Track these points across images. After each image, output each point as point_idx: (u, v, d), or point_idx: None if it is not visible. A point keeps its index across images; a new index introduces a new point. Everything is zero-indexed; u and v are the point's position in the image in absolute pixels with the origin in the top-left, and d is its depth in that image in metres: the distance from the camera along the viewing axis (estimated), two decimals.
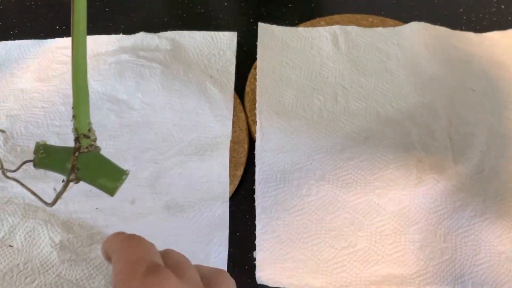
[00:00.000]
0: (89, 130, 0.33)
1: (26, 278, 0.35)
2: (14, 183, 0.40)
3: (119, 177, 0.33)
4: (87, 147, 0.33)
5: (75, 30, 0.31)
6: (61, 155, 0.33)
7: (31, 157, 0.40)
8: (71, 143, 0.41)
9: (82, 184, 0.40)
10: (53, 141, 0.42)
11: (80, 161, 0.32)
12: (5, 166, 0.41)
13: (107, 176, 0.33)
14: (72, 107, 0.32)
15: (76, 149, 0.32)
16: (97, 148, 0.34)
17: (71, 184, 0.33)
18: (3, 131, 0.37)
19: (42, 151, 0.33)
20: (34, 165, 0.33)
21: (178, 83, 0.45)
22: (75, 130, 0.32)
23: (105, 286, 0.35)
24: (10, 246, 0.37)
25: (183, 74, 0.46)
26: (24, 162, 0.34)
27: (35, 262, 0.36)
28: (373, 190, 0.39)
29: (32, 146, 0.41)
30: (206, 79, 0.46)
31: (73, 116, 0.32)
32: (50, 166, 0.33)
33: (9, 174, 0.34)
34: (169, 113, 0.43)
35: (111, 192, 0.33)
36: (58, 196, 0.33)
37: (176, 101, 0.44)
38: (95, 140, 0.33)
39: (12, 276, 0.35)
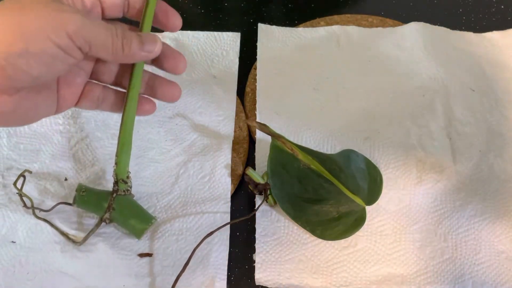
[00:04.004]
0: (127, 177, 0.36)
1: (28, 273, 0.36)
2: (15, 180, 0.40)
3: (148, 221, 0.37)
4: (123, 191, 0.36)
5: (129, 96, 0.35)
6: (98, 196, 0.37)
7: (34, 157, 0.41)
8: (74, 142, 0.42)
9: (85, 181, 0.40)
10: (56, 139, 0.42)
11: (116, 202, 0.36)
12: (8, 164, 0.41)
13: (137, 218, 0.36)
14: (116, 156, 0.35)
15: (114, 191, 0.36)
16: (131, 195, 0.37)
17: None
18: (30, 172, 0.39)
19: (83, 190, 0.37)
20: (74, 203, 0.37)
21: (181, 83, 0.45)
22: (115, 175, 0.36)
23: (106, 283, 0.36)
24: (12, 242, 0.37)
25: (186, 74, 0.46)
26: (58, 204, 0.37)
27: (37, 258, 0.36)
28: None
29: (35, 145, 0.42)
30: (209, 79, 0.46)
31: (115, 163, 0.35)
32: (88, 204, 0.37)
33: (40, 214, 0.37)
34: (172, 112, 0.43)
35: (139, 233, 0.37)
36: (88, 235, 0.36)
37: (179, 101, 0.44)
38: (130, 187, 0.37)
39: (14, 271, 0.36)
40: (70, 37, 0.28)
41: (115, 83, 0.37)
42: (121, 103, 0.37)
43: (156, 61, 0.38)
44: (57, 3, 0.29)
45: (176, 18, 0.35)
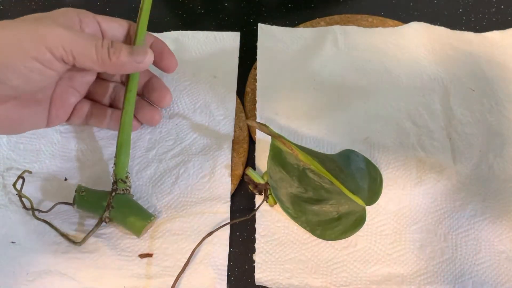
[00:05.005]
0: (126, 177, 0.37)
1: (28, 274, 0.36)
2: (15, 181, 0.40)
3: (147, 218, 0.37)
4: (122, 190, 0.37)
5: (126, 99, 0.36)
6: (98, 196, 0.37)
7: (34, 157, 0.41)
8: (74, 142, 0.42)
9: (85, 181, 0.40)
10: (56, 139, 0.42)
11: (115, 201, 0.36)
12: (8, 164, 0.41)
13: (136, 216, 0.37)
14: (115, 156, 0.37)
15: (113, 190, 0.36)
16: (131, 195, 0.38)
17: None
18: (29, 172, 0.39)
19: (83, 190, 0.37)
20: (74, 203, 0.37)
21: (181, 83, 0.45)
22: (115, 175, 0.37)
23: (106, 284, 0.36)
24: (12, 242, 0.37)
25: (186, 74, 0.46)
26: (57, 204, 0.38)
27: (37, 259, 0.36)
28: None
29: (35, 145, 0.42)
30: (209, 79, 0.46)
31: (114, 164, 0.37)
32: (88, 205, 0.37)
33: (39, 215, 0.37)
34: (172, 112, 0.43)
35: (138, 230, 0.37)
36: (88, 236, 0.36)
37: (179, 101, 0.44)
38: (130, 186, 0.38)
39: (14, 272, 0.36)
40: (50, 50, 0.29)
41: (111, 105, 0.41)
42: (108, 119, 0.40)
43: (145, 91, 0.41)
44: (46, 19, 0.30)
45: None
